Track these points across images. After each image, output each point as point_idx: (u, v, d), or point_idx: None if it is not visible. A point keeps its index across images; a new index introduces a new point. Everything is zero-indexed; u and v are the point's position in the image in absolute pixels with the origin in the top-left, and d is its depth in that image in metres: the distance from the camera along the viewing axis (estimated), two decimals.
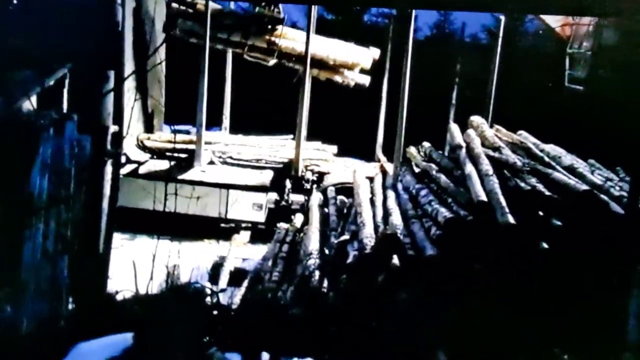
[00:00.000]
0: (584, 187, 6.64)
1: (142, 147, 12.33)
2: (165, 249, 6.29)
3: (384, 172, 11.15)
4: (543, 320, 5.83)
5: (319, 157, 12.66)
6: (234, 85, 14.73)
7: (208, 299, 5.46)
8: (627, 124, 6.27)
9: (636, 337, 5.38)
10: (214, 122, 14.28)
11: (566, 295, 6.01)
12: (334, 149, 13.17)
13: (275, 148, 12.77)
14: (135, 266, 5.62)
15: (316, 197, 10.22)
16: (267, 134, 13.21)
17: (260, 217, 11.09)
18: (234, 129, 14.36)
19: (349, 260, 6.69)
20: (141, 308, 5.02)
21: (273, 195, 11.43)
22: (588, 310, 5.95)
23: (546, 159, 7.99)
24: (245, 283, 7.51)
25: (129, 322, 4.80)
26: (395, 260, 6.42)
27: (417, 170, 9.26)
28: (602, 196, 6.59)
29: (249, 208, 11.06)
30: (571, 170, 7.58)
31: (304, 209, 10.08)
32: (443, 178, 8.01)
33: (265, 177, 11.60)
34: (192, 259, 8.17)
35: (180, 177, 11.31)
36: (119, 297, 5.58)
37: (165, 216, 6.45)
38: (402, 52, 11.97)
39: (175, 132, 13.19)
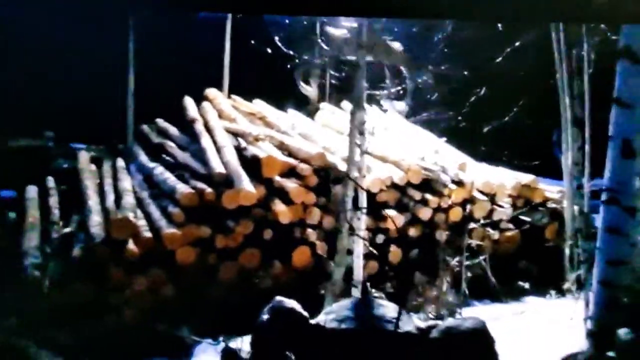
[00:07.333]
0: (317, 149, 7.20)
1: None
2: None
3: (114, 154, 10.50)
4: None
5: (30, 144, 11.35)
6: None
7: None
8: None
9: None
10: None
11: None
12: (50, 134, 11.95)
13: None
14: None
15: (31, 191, 9.12)
16: None
17: None
18: None
19: (75, 253, 6.13)
20: None
21: None
22: None
23: (282, 127, 8.40)
24: None
25: None
26: (132, 245, 6.12)
27: (151, 148, 8.95)
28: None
29: None
30: (305, 135, 8.13)
31: (18, 206, 8.91)
32: (179, 153, 7.93)
33: None
34: None
35: None
36: None
37: None
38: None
39: None
